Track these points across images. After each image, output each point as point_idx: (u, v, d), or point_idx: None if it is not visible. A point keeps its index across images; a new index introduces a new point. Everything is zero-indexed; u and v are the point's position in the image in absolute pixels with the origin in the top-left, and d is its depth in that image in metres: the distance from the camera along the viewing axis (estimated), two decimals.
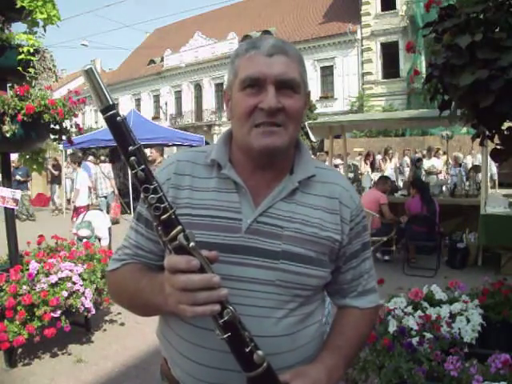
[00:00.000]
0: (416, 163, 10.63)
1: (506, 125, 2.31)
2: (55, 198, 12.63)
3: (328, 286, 1.07)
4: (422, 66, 15.51)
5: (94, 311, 3.60)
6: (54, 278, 3.37)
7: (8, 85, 3.45)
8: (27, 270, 3.41)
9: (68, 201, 11.23)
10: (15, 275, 3.29)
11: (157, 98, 33.42)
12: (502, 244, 5.64)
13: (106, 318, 4.35)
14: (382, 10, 23.11)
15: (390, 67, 22.77)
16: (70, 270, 3.53)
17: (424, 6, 2.76)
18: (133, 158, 0.76)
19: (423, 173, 10.11)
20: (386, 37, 23.02)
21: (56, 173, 12.31)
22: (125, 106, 31.16)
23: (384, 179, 6.86)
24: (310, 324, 1.02)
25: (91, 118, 34.38)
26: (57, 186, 12.51)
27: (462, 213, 6.69)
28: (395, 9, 22.55)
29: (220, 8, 33.80)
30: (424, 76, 2.44)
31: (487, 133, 2.40)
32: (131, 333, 4.01)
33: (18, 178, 10.75)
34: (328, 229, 0.99)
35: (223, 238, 0.94)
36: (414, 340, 2.26)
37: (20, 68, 3.08)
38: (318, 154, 13.64)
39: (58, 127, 3.39)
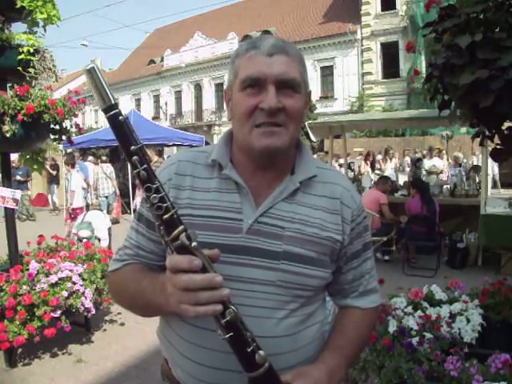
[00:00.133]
0: (416, 163, 10.62)
1: (505, 125, 2.31)
2: (54, 197, 12.62)
3: (329, 286, 1.07)
4: (422, 66, 15.50)
5: (93, 311, 3.60)
6: (53, 278, 3.37)
7: (8, 85, 3.45)
8: (27, 270, 3.41)
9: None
10: (15, 275, 3.29)
11: (157, 98, 33.41)
12: (502, 244, 5.64)
13: (106, 317, 4.35)
14: (382, 9, 23.11)
15: (390, 67, 22.76)
16: (70, 270, 3.53)
17: (424, 5, 2.76)
18: (135, 157, 0.76)
19: (423, 173, 10.11)
20: (385, 37, 23.02)
21: (54, 173, 12.30)
22: (125, 106, 31.14)
23: (384, 179, 6.86)
24: (311, 324, 1.02)
25: (91, 118, 34.39)
26: (55, 186, 12.50)
27: (462, 213, 6.69)
28: (395, 9, 22.55)
29: (220, 8, 33.80)
30: (424, 76, 2.44)
31: (487, 133, 2.41)
32: (131, 333, 4.01)
33: (18, 178, 10.74)
34: (329, 229, 0.99)
35: (224, 238, 0.94)
36: (414, 340, 2.26)
37: (20, 68, 3.08)
38: (318, 154, 13.63)
39: (58, 127, 3.39)
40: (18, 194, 3.55)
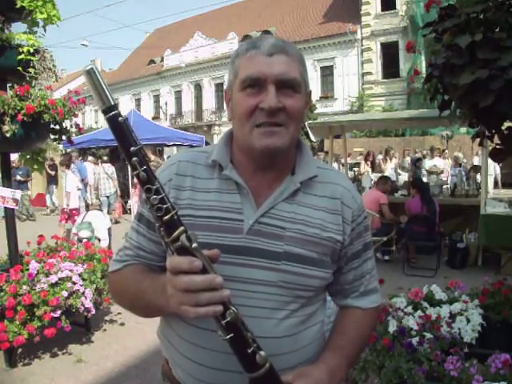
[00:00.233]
0: (416, 163, 10.62)
1: (505, 124, 2.31)
2: (54, 198, 12.62)
3: (330, 286, 1.07)
4: (422, 66, 15.49)
5: (93, 311, 3.60)
6: (53, 278, 3.37)
7: (8, 85, 3.45)
8: (27, 270, 3.41)
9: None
10: (15, 275, 3.29)
11: (157, 98, 33.41)
12: (502, 244, 5.64)
13: (106, 317, 4.35)
14: (382, 9, 23.10)
15: (390, 67, 22.76)
16: (70, 270, 3.53)
17: (424, 5, 2.76)
18: (135, 158, 0.76)
19: (423, 173, 10.10)
20: (386, 37, 23.01)
21: (52, 173, 12.30)
22: (125, 106, 31.13)
23: (384, 179, 6.86)
24: (311, 325, 1.02)
25: (91, 118, 34.38)
26: (54, 187, 12.50)
27: (462, 213, 6.69)
28: (395, 9, 22.54)
29: (220, 8, 33.79)
30: (424, 76, 2.44)
31: (487, 133, 2.41)
32: (131, 333, 4.01)
33: (18, 178, 10.74)
34: (329, 229, 0.99)
35: (225, 239, 0.94)
36: (414, 340, 2.26)
37: (20, 68, 3.08)
38: (318, 154, 13.62)
39: (58, 127, 3.39)
40: (18, 193, 3.55)
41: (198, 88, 30.81)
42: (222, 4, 33.33)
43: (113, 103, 0.76)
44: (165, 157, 16.12)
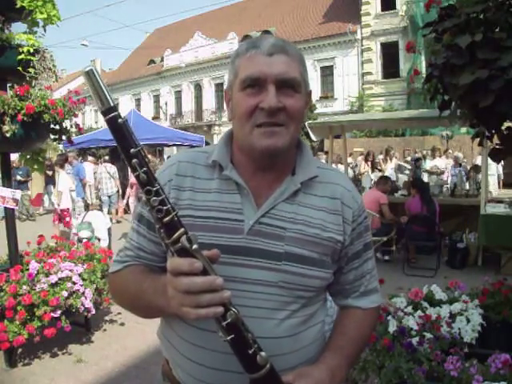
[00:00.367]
0: (416, 163, 10.62)
1: (505, 124, 2.31)
2: (52, 198, 12.61)
3: (330, 286, 1.07)
4: (422, 66, 15.48)
5: (93, 311, 3.60)
6: (53, 278, 3.37)
7: (8, 85, 3.45)
8: (27, 270, 3.41)
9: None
10: (15, 275, 3.29)
11: (157, 98, 33.40)
12: (502, 244, 5.64)
13: (106, 317, 4.35)
14: (382, 9, 23.10)
15: (390, 67, 22.75)
16: (70, 270, 3.53)
17: (424, 5, 2.76)
18: (135, 160, 0.76)
19: (424, 173, 10.11)
20: (386, 37, 23.00)
21: (50, 173, 12.29)
22: (125, 106, 31.13)
23: (384, 179, 6.86)
24: (312, 325, 1.02)
25: (91, 118, 34.38)
26: (51, 187, 12.49)
27: (461, 213, 6.69)
28: (395, 9, 22.53)
29: (220, 8, 33.79)
30: (424, 76, 2.45)
31: (487, 133, 2.41)
32: (131, 333, 4.01)
33: (18, 178, 10.74)
34: (330, 229, 0.99)
35: (225, 239, 0.94)
36: (414, 340, 2.26)
37: (20, 68, 3.08)
38: (318, 154, 13.62)
39: (58, 127, 3.39)
40: (18, 193, 3.55)
41: (198, 88, 30.81)
42: (222, 4, 33.40)
43: (112, 104, 0.76)
44: (165, 157, 16.11)
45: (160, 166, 1.19)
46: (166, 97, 32.33)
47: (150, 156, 9.81)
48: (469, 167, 9.68)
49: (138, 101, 34.35)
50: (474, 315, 2.50)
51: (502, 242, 5.56)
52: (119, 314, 4.37)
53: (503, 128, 2.33)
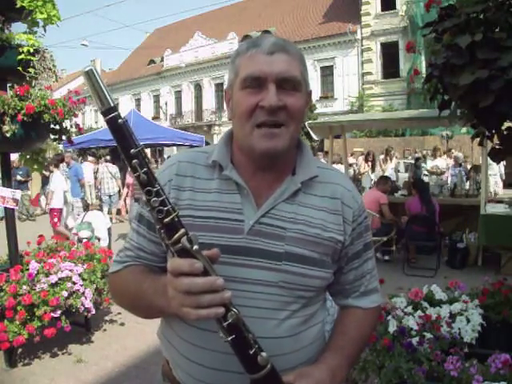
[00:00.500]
0: (415, 163, 10.62)
1: (505, 125, 2.31)
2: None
3: (330, 286, 1.07)
4: (422, 66, 15.49)
5: (93, 311, 3.60)
6: (53, 278, 3.37)
7: (8, 85, 3.45)
8: (27, 269, 3.41)
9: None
10: (15, 275, 3.29)
11: (157, 98, 33.40)
12: (502, 244, 5.63)
13: (106, 318, 4.35)
14: (382, 9, 23.10)
15: (390, 67, 22.75)
16: (70, 270, 3.53)
17: (424, 5, 2.76)
18: (135, 160, 0.75)
19: (424, 172, 10.10)
20: (386, 37, 23.00)
21: (47, 173, 12.28)
22: (125, 106, 31.13)
23: (384, 179, 6.86)
24: (312, 325, 1.02)
25: (91, 118, 34.38)
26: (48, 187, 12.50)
27: (461, 213, 6.69)
28: (395, 9, 22.53)
29: (220, 8, 33.78)
30: (424, 76, 2.45)
31: (487, 133, 2.41)
32: (131, 333, 4.01)
33: (18, 178, 10.74)
34: (330, 229, 0.99)
35: (225, 239, 0.94)
36: (414, 340, 2.26)
37: (20, 68, 3.08)
38: (317, 154, 13.61)
39: (58, 127, 3.40)
40: (18, 193, 3.55)
41: (198, 88, 30.81)
42: (222, 4, 33.41)
43: (112, 105, 0.75)
44: (165, 157, 16.09)
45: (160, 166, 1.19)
46: (166, 97, 32.34)
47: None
48: (469, 167, 9.69)
49: (138, 101, 34.35)
50: (474, 315, 2.50)
51: (502, 241, 5.56)
52: (119, 314, 4.37)
53: (503, 128, 2.32)
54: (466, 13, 2.09)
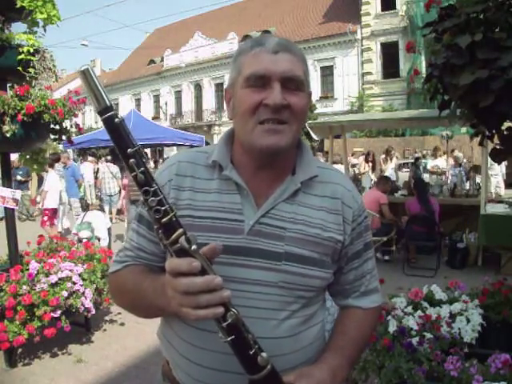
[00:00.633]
0: (416, 163, 10.62)
1: (505, 125, 2.31)
2: (37, 198, 12.57)
3: (330, 286, 1.07)
4: (422, 66, 15.49)
5: (93, 311, 3.60)
6: (54, 278, 3.37)
7: (8, 85, 3.45)
8: (27, 270, 3.41)
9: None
10: (15, 275, 3.29)
11: (157, 98, 33.41)
12: (502, 244, 5.63)
13: (106, 317, 4.35)
14: (382, 9, 23.11)
15: (390, 67, 22.76)
16: (70, 270, 3.53)
17: (424, 5, 2.76)
18: (132, 160, 0.75)
19: (423, 172, 10.10)
20: (386, 37, 23.02)
21: (44, 174, 12.27)
22: (125, 106, 31.15)
23: (385, 179, 6.87)
24: (312, 325, 1.02)
25: (91, 118, 34.36)
26: None
27: (461, 213, 6.69)
28: (395, 9, 22.54)
29: (220, 8, 33.79)
30: (424, 76, 2.44)
31: (487, 133, 2.40)
32: (131, 333, 4.01)
33: (18, 178, 10.73)
34: (330, 229, 0.99)
35: (225, 239, 0.94)
36: (414, 340, 2.26)
37: (20, 68, 3.08)
38: (317, 154, 13.62)
39: (58, 127, 3.39)
40: (18, 193, 3.55)
41: (198, 88, 30.81)
42: (222, 4, 33.42)
43: (109, 104, 0.75)
44: (165, 156, 16.09)
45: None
46: (166, 97, 32.34)
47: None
48: (469, 167, 9.68)
49: (138, 101, 34.35)
50: (474, 315, 2.50)
51: (502, 241, 5.56)
52: (119, 314, 4.37)
53: (503, 128, 2.32)
54: (466, 13, 2.08)
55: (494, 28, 2.05)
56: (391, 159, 11.68)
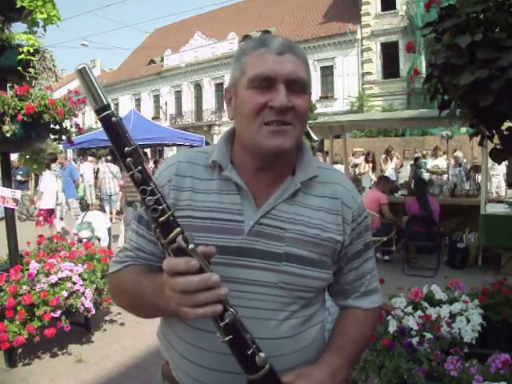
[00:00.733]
0: (416, 163, 10.62)
1: (505, 125, 2.31)
2: (34, 198, 12.57)
3: (330, 286, 1.07)
4: (422, 66, 15.49)
5: (93, 311, 3.60)
6: (54, 278, 3.37)
7: (8, 85, 3.45)
8: (27, 270, 3.41)
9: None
10: (15, 275, 3.29)
11: (157, 98, 33.40)
12: (502, 244, 5.63)
13: (106, 317, 4.35)
14: (382, 9, 23.10)
15: (390, 67, 22.75)
16: (70, 270, 3.53)
17: (424, 5, 2.76)
18: (129, 159, 0.75)
19: (424, 172, 10.09)
20: (386, 37, 23.01)
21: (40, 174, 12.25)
22: (125, 106, 31.15)
23: (385, 179, 6.87)
24: (312, 325, 1.02)
25: (91, 118, 34.30)
26: None
27: (461, 213, 6.69)
28: (395, 9, 22.53)
29: (220, 8, 33.78)
30: (424, 76, 2.45)
31: (487, 133, 2.41)
32: (131, 333, 4.01)
33: (18, 178, 10.72)
34: (330, 230, 0.99)
35: (225, 240, 0.94)
36: (414, 340, 2.26)
37: (20, 68, 3.08)
38: (317, 154, 13.61)
39: (58, 127, 3.39)
40: (18, 193, 3.55)
41: (198, 88, 30.81)
42: (222, 4, 33.41)
43: (106, 103, 0.74)
44: (165, 156, 16.08)
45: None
46: (166, 97, 32.34)
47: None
48: (469, 167, 9.68)
49: (138, 101, 34.35)
50: (474, 315, 2.50)
51: (502, 241, 5.56)
52: (119, 314, 4.37)
53: (503, 128, 2.32)
54: (466, 13, 2.09)
55: (494, 28, 2.05)
56: (391, 159, 11.67)
